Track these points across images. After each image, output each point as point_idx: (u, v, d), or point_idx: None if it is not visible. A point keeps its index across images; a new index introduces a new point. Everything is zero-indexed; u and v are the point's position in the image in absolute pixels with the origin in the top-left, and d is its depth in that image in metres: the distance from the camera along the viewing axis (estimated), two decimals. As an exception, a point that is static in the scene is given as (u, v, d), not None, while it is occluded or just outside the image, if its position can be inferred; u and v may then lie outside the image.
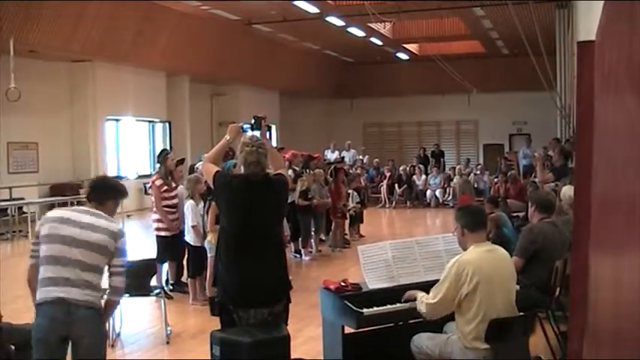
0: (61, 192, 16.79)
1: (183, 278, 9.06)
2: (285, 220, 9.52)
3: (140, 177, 20.57)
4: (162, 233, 8.77)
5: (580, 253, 3.24)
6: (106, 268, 4.20)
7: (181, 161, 9.54)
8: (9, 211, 14.97)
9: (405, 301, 4.81)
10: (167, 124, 21.88)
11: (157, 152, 11.06)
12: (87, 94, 18.59)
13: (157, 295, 7.18)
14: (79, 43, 16.50)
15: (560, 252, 5.81)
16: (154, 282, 7.46)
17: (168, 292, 8.68)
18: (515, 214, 11.27)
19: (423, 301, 4.42)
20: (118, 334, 7.00)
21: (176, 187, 9.01)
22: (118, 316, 7.04)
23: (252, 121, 4.99)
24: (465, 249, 4.41)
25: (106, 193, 4.37)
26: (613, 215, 2.30)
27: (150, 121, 21.54)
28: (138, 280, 6.92)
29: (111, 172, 19.61)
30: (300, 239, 11.63)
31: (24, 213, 15.29)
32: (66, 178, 18.09)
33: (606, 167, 2.58)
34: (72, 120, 18.67)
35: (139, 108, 20.43)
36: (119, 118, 20.04)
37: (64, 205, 16.25)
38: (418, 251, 5.28)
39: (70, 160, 18.60)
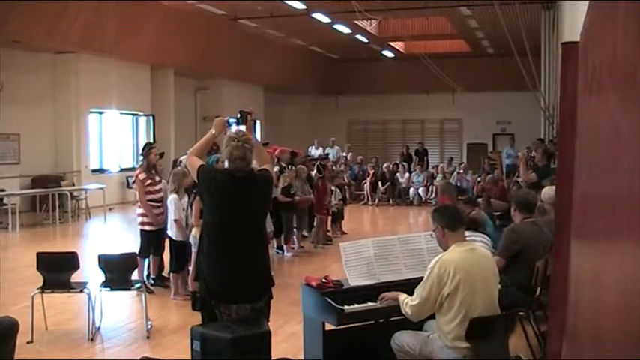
0: (43, 184, 16.65)
1: (165, 273, 9.03)
2: (267, 216, 9.56)
3: (123, 170, 20.48)
4: (147, 228, 8.74)
5: (561, 253, 3.25)
6: None
7: (162, 155, 9.51)
8: (-11, 202, 14.84)
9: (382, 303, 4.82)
10: (151, 118, 21.78)
11: (141, 146, 11.00)
12: (70, 86, 18.45)
13: (138, 289, 7.15)
14: (63, 34, 16.36)
15: (542, 252, 5.84)
16: (135, 276, 7.42)
17: (150, 287, 8.65)
18: (498, 214, 11.32)
19: (408, 302, 4.41)
20: (98, 328, 6.97)
21: (160, 181, 8.98)
22: (98, 310, 7.01)
23: (238, 116, 4.98)
24: (445, 249, 4.41)
25: None
26: (594, 215, 2.31)
27: (133, 115, 21.42)
28: (119, 274, 6.90)
29: (93, 165, 19.52)
30: (282, 235, 11.63)
31: (4, 205, 15.14)
32: (48, 170, 17.94)
33: (588, 168, 2.60)
34: (55, 112, 18.51)
35: (122, 101, 20.32)
36: (102, 110, 19.91)
37: (45, 197, 16.15)
38: (400, 249, 5.28)
39: (52, 153, 18.45)
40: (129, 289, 7.19)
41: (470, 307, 4.19)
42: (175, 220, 8.24)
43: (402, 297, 4.51)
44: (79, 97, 18.56)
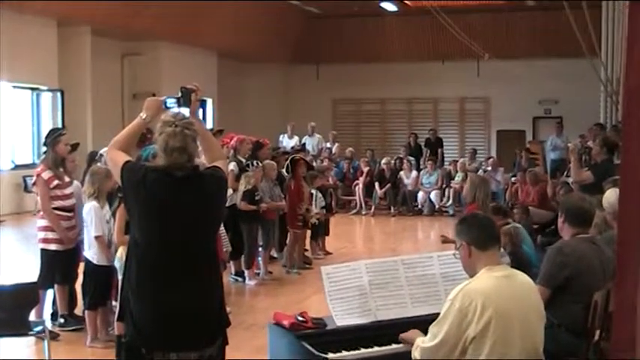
0: None
1: (78, 310, 8.97)
2: (222, 231, 9.53)
3: (18, 167, 20.32)
4: (52, 247, 8.70)
5: (626, 281, 3.26)
6: None
7: (75, 146, 9.47)
8: None
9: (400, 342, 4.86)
10: (59, 94, 21.63)
11: (44, 133, 10.95)
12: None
13: (38, 333, 7.10)
14: None
15: (601, 281, 5.86)
16: (34, 316, 7.36)
17: (56, 330, 8.60)
18: (540, 227, 11.41)
19: (419, 345, 4.43)
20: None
21: (71, 183, 8.94)
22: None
23: (179, 94, 4.97)
24: (472, 275, 4.43)
25: None
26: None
27: (33, 89, 21.29)
28: (12, 312, 6.83)
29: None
30: (243, 256, 11.62)
31: None
32: None
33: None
34: None
35: (17, 70, 20.09)
36: (-12, 84, 19.79)
37: None
38: (404, 275, 5.29)
39: None
40: (26, 335, 7.13)
41: (504, 354, 4.21)
42: (97, 237, 8.18)
43: (419, 338, 4.53)
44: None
